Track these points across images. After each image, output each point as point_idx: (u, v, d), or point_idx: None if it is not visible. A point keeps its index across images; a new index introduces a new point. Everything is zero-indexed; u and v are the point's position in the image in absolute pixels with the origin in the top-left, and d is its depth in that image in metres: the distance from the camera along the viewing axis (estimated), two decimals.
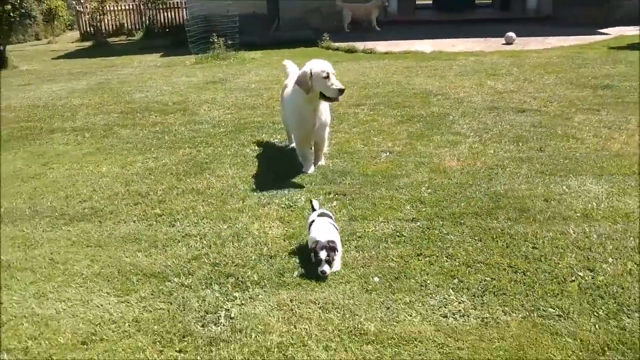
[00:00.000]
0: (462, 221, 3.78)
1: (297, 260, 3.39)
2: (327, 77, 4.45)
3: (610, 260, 3.19)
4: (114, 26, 21.77)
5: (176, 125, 6.89)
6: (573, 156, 4.94)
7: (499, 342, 2.58)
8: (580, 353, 2.47)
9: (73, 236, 3.96)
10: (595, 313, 2.74)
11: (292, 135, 5.29)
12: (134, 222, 4.14)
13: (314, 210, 3.64)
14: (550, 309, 2.79)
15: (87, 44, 19.65)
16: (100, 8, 21.07)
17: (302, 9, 15.35)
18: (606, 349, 2.49)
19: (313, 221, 3.44)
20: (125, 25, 21.82)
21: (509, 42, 12.74)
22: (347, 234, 3.69)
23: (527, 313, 2.77)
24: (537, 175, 4.54)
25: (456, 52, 11.98)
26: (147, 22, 20.97)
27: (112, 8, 21.64)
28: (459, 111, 6.74)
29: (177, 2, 20.81)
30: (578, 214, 3.79)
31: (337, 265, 3.22)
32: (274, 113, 7.04)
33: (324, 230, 3.28)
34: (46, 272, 3.48)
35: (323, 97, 4.58)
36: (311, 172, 4.87)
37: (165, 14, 21.15)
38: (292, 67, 5.45)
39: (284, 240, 3.69)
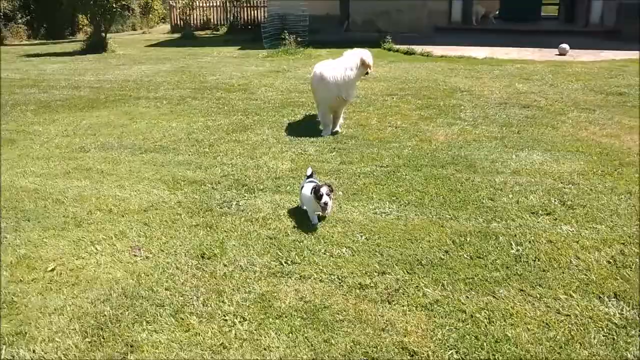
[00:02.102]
0: (420, 169, 5.28)
1: (293, 181, 5.03)
2: None
3: (510, 195, 4.60)
4: (202, 21, 24.42)
5: (235, 100, 8.72)
6: (540, 138, 6.25)
7: (401, 227, 4.10)
8: (451, 235, 3.94)
9: (145, 159, 5.82)
10: (476, 219, 4.19)
11: (322, 105, 6.75)
12: (189, 155, 5.95)
13: (307, 177, 4.50)
14: (447, 215, 4.26)
15: (176, 35, 22.28)
16: (190, 4, 23.79)
17: (371, 11, 16.98)
18: (468, 235, 3.94)
19: (303, 186, 4.35)
20: (212, 20, 24.40)
21: (562, 53, 13.64)
22: (334, 171, 5.30)
23: (431, 216, 4.27)
24: (500, 148, 5.93)
25: (507, 59, 13.11)
26: (232, 18, 23.37)
27: (200, 4, 24.32)
28: (472, 104, 8.11)
29: (260, 2, 23.05)
30: (510, 171, 5.19)
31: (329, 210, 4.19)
32: None
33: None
34: (125, 176, 5.33)
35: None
36: (327, 135, 6.49)
37: (249, 11, 23.47)
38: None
39: (290, 172, 5.35)
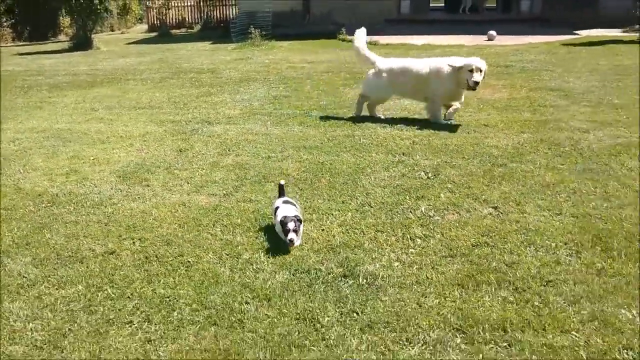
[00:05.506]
0: (325, 111, 8.46)
1: (240, 119, 8.19)
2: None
3: (374, 120, 7.79)
4: (177, 20, 27.64)
5: (204, 78, 11.89)
6: None
7: (300, 135, 7.25)
8: (329, 137, 7.09)
9: (139, 113, 8.96)
10: (346, 131, 7.35)
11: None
12: (169, 109, 9.10)
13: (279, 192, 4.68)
14: (331, 130, 7.42)
15: (154, 34, 25.42)
16: (166, 4, 27.01)
17: (329, 5, 20.27)
18: (338, 137, 7.11)
19: (278, 207, 4.39)
20: (187, 19, 27.64)
21: (490, 39, 16.88)
22: (268, 113, 8.46)
23: (320, 130, 7.42)
24: None
25: (439, 44, 16.30)
26: (205, 17, 26.60)
27: (176, 4, 27.52)
28: None
29: (231, 1, 26.30)
30: (382, 109, 8.38)
31: (300, 237, 4.22)
32: (268, 74, 11.90)
33: (289, 210, 4.29)
34: (127, 121, 8.47)
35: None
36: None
37: (221, 10, 26.70)
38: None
39: (238, 115, 8.50)
